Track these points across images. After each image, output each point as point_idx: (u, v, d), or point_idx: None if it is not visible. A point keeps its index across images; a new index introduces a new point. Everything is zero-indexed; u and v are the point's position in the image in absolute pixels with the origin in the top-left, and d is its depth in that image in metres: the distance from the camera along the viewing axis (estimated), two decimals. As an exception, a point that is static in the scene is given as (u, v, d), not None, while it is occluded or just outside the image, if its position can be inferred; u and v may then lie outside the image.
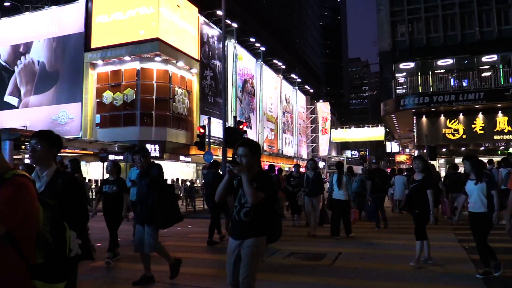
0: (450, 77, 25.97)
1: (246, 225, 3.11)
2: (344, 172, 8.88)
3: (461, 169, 12.74)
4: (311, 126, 56.84)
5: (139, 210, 4.99)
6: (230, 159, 3.14)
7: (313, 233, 8.60)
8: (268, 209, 3.15)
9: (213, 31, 31.14)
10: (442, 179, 12.77)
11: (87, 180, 21.25)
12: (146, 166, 4.98)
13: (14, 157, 18.98)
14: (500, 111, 24.43)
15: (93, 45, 26.03)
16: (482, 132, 24.63)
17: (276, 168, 13.15)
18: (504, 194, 4.72)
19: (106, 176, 6.84)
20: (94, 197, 17.21)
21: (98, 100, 25.87)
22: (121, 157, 22.39)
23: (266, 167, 11.66)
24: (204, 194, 9.16)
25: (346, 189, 8.37)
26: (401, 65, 27.84)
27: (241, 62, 35.21)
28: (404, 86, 27.71)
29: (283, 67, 44.55)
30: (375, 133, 57.08)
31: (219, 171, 9.35)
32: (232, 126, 20.16)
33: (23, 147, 18.62)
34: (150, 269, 5.02)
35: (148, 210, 4.83)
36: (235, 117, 25.42)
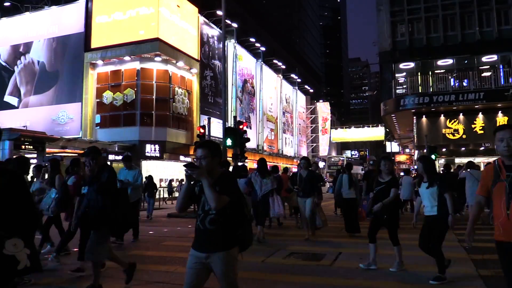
0: (450, 77, 25.98)
1: (213, 235, 2.82)
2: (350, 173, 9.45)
3: (461, 169, 12.78)
4: (311, 126, 56.85)
5: (89, 216, 4.69)
6: (187, 162, 2.90)
7: (308, 236, 8.24)
8: (235, 214, 2.88)
9: (213, 31, 31.14)
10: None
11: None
12: (96, 170, 4.67)
13: (14, 157, 18.96)
14: (500, 111, 24.44)
15: (93, 45, 26.03)
16: (482, 132, 24.63)
17: (283, 168, 13.16)
18: None
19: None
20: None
21: (98, 100, 25.87)
22: (121, 157, 22.40)
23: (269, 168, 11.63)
24: None
25: (354, 188, 9.07)
26: (401, 65, 27.85)
27: (241, 62, 35.21)
28: (404, 86, 27.72)
29: (283, 67, 44.55)
30: (375, 133, 57.11)
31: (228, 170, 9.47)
32: (232, 126, 20.16)
33: (23, 147, 18.63)
34: (124, 261, 4.95)
35: (96, 216, 4.56)
36: (235, 117, 25.41)
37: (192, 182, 2.93)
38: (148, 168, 24.32)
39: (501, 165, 2.89)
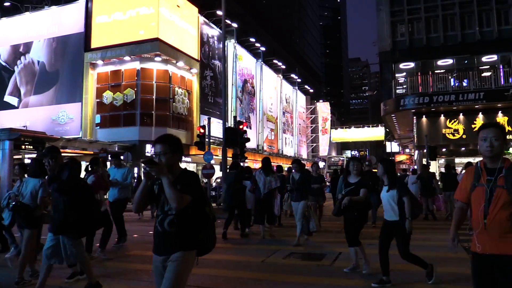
0: (450, 77, 25.96)
1: (172, 237, 2.62)
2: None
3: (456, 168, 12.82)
4: (311, 126, 56.86)
5: (52, 217, 4.53)
6: (146, 159, 2.62)
7: (303, 240, 7.92)
8: (197, 215, 2.67)
9: (213, 31, 31.15)
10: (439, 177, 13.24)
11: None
12: (57, 169, 4.51)
13: (14, 157, 18.98)
14: (500, 111, 24.43)
15: (93, 45, 26.03)
16: (482, 132, 24.59)
17: (286, 168, 13.25)
18: None
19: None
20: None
21: (98, 100, 25.87)
22: (121, 157, 22.39)
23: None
24: (226, 193, 9.55)
25: None
26: (401, 65, 27.83)
27: (241, 62, 35.22)
28: (404, 86, 27.70)
29: (283, 67, 44.55)
30: (375, 133, 57.11)
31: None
32: (232, 126, 20.17)
33: (23, 147, 18.62)
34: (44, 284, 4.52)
35: (61, 218, 4.36)
36: (235, 117, 25.44)
37: (150, 181, 2.70)
38: (148, 168, 24.30)
39: (483, 168, 2.61)
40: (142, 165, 2.59)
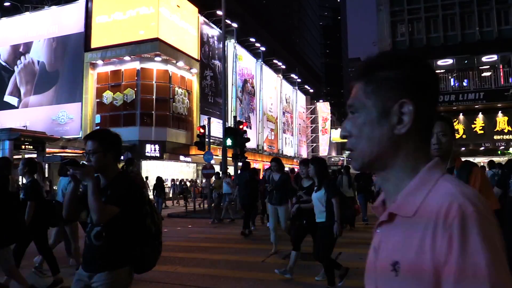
0: (450, 77, 25.99)
1: (98, 252, 2.24)
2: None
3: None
4: (311, 126, 56.86)
5: None
6: (69, 159, 2.28)
7: (275, 250, 7.08)
8: (131, 228, 2.26)
9: (213, 31, 31.15)
10: None
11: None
12: None
13: (14, 157, 18.98)
14: (500, 111, 24.46)
15: (93, 45, 26.03)
16: (482, 132, 24.66)
17: (289, 168, 13.40)
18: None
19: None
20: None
21: (98, 100, 25.88)
22: (121, 157, 22.40)
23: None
24: (243, 191, 9.79)
25: (352, 188, 10.23)
26: (401, 65, 27.87)
27: (241, 62, 35.21)
28: (404, 86, 27.74)
29: (283, 67, 44.53)
30: (375, 133, 57.07)
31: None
32: (232, 126, 20.16)
33: (23, 147, 18.63)
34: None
35: None
36: (235, 117, 25.40)
37: (79, 184, 2.30)
38: (148, 168, 24.31)
39: None
40: (68, 167, 2.25)
